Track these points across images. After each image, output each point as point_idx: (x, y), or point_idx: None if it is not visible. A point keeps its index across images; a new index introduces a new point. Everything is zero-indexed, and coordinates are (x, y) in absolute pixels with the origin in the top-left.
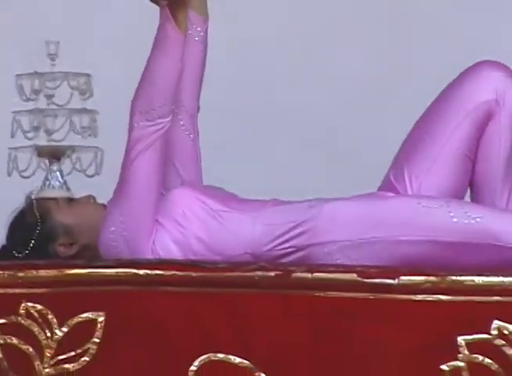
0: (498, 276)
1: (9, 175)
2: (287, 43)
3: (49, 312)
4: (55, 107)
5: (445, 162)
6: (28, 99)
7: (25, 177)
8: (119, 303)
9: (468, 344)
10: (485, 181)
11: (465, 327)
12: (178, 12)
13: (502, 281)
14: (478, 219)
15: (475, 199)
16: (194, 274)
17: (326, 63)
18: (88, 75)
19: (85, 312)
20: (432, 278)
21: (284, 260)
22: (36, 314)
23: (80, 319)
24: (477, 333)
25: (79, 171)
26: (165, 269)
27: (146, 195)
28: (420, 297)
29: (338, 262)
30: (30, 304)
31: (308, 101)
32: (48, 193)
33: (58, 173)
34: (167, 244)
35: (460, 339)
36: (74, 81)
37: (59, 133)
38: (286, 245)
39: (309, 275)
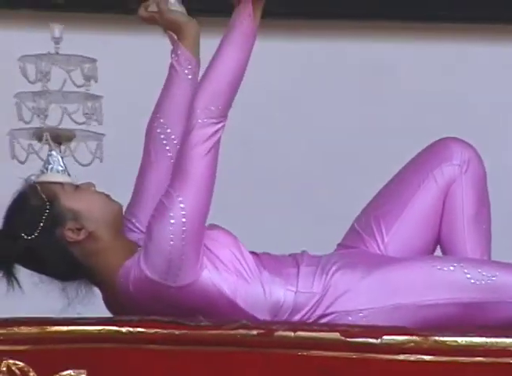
0: (481, 336)
1: (12, 158)
2: (270, 101)
3: (31, 369)
4: (59, 91)
5: (412, 220)
6: (32, 82)
7: (21, 162)
8: (101, 360)
9: None
10: (452, 240)
11: None
12: (257, 9)
13: (485, 342)
14: (494, 278)
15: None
16: (177, 332)
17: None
18: (93, 60)
19: (67, 369)
20: (415, 338)
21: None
22: (18, 371)
23: None
24: None
25: (85, 164)
26: (148, 326)
27: (210, 194)
28: (402, 356)
29: None
30: (11, 361)
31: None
32: (53, 178)
33: (59, 158)
34: (219, 278)
35: None
36: (80, 65)
37: (57, 117)
38: (314, 315)
39: (292, 334)
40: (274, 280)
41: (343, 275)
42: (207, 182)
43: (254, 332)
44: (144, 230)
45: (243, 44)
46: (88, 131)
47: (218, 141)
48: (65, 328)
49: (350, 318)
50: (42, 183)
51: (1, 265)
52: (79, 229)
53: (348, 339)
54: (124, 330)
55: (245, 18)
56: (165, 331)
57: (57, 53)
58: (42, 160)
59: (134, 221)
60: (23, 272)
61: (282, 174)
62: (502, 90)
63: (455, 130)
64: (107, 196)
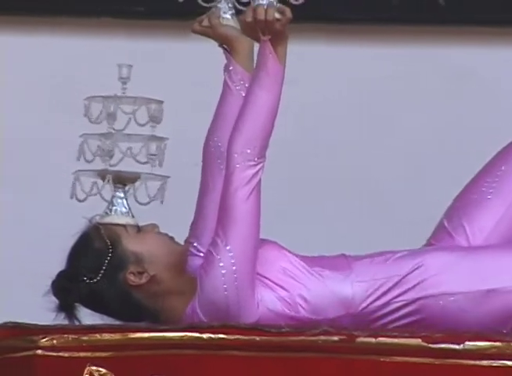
0: None
1: (72, 197)
2: (346, 108)
3: (113, 375)
4: (124, 132)
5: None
6: (96, 122)
7: (80, 200)
8: (183, 367)
9: None
10: None
11: None
12: (280, 46)
13: None
14: None
15: None
16: (258, 338)
17: (385, 128)
18: (160, 102)
19: (149, 375)
20: (497, 343)
21: (391, 317)
22: None
23: None
24: None
25: (147, 203)
26: (229, 333)
27: (257, 236)
28: (485, 362)
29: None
30: (94, 367)
31: (367, 167)
32: (117, 220)
33: (124, 199)
34: (273, 301)
35: None
36: (146, 106)
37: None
38: (396, 301)
39: (373, 340)
40: (338, 276)
41: (433, 258)
42: (252, 225)
43: (336, 338)
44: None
45: (270, 85)
46: (153, 174)
47: (259, 182)
48: (147, 335)
49: (441, 302)
50: (106, 225)
51: (64, 308)
52: (141, 273)
53: (430, 345)
54: (205, 336)
55: (268, 58)
56: (246, 338)
57: (124, 94)
58: (105, 200)
59: (196, 244)
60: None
61: (361, 179)
62: None
63: None
64: (170, 238)
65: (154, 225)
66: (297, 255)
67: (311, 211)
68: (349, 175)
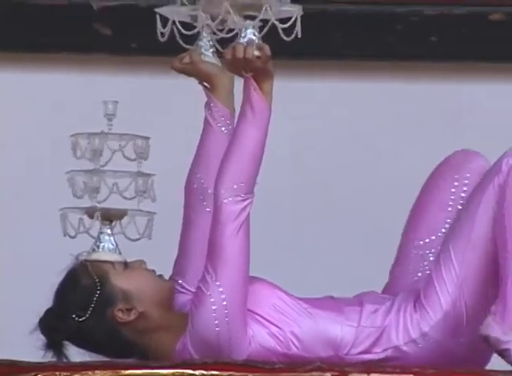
0: None
1: (64, 235)
2: (347, 139)
3: None
4: (111, 169)
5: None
6: (83, 159)
7: (72, 237)
8: None
9: None
10: None
11: None
12: (264, 83)
13: None
14: None
15: None
16: (251, 375)
17: (386, 161)
18: (146, 138)
19: None
20: None
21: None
22: None
23: None
24: None
25: (134, 239)
26: (221, 369)
27: (247, 271)
28: None
29: None
30: None
31: (367, 198)
32: (105, 256)
33: (111, 236)
34: (265, 337)
35: None
36: (132, 143)
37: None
38: (378, 351)
39: (365, 375)
40: (328, 316)
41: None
42: (241, 260)
43: (328, 374)
44: (191, 290)
45: (256, 121)
46: (140, 210)
47: (247, 218)
48: (139, 372)
49: (405, 348)
50: (93, 262)
51: (52, 345)
52: (129, 310)
53: None
54: (197, 373)
55: (252, 95)
56: (239, 374)
57: (110, 131)
58: (92, 236)
59: (181, 281)
60: None
61: (359, 214)
62: None
63: None
64: (158, 275)
65: (142, 262)
66: (287, 293)
67: (306, 246)
68: (345, 211)
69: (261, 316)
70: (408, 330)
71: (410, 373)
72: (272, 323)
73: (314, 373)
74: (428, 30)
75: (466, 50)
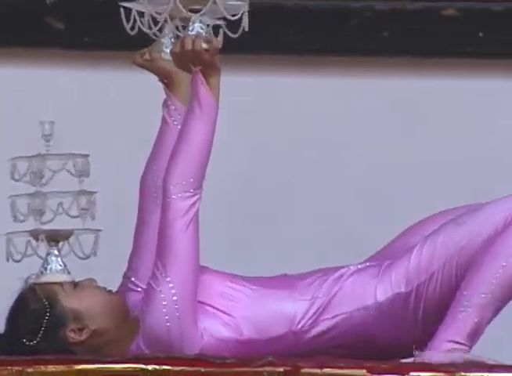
0: (509, 372)
1: (7, 259)
2: (302, 134)
3: None
4: (52, 190)
5: None
6: (23, 181)
7: (17, 261)
8: None
9: None
10: None
11: None
12: (212, 78)
13: None
14: None
15: None
16: (203, 369)
17: (340, 155)
18: (86, 156)
19: None
20: (442, 374)
21: (326, 336)
22: None
23: None
24: None
25: (83, 257)
26: (174, 364)
27: (197, 266)
28: None
29: None
30: None
31: (323, 199)
32: (53, 278)
33: (58, 257)
34: (216, 327)
35: None
36: (72, 161)
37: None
38: (324, 318)
39: (318, 370)
40: (280, 294)
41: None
42: (191, 255)
43: (281, 369)
44: (144, 287)
45: (204, 116)
46: (85, 228)
47: (197, 213)
48: (92, 366)
49: (356, 313)
50: (41, 285)
51: None
52: (81, 329)
53: None
54: (149, 367)
55: (199, 89)
56: (191, 369)
57: (48, 152)
58: (41, 257)
59: (133, 279)
60: None
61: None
62: None
63: (484, 161)
64: (109, 291)
65: (91, 280)
66: (234, 276)
67: (262, 237)
68: (299, 208)
69: (211, 306)
70: (364, 296)
71: (363, 368)
72: (222, 312)
73: (266, 368)
74: (381, 26)
75: (419, 45)
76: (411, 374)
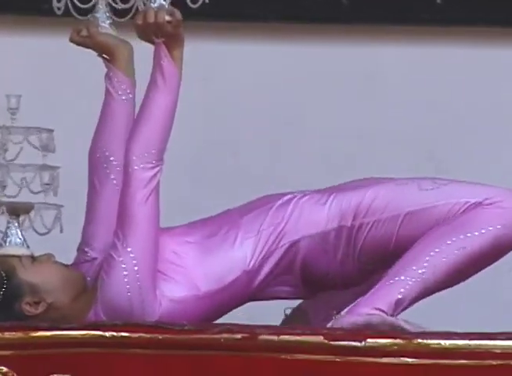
0: (464, 339)
1: None
2: (260, 102)
3: (15, 374)
4: (16, 162)
5: None
6: None
7: None
8: (86, 365)
9: None
10: None
11: None
12: (175, 50)
13: (469, 344)
14: None
15: None
16: (160, 336)
17: (298, 122)
18: (50, 131)
19: (52, 374)
20: (398, 341)
21: (278, 269)
22: None
23: None
24: None
25: (43, 233)
26: (131, 331)
27: (156, 238)
28: (386, 360)
29: None
30: None
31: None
32: (11, 251)
33: (18, 230)
34: (171, 290)
35: None
36: (36, 136)
37: (15, 189)
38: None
39: (275, 337)
40: (226, 240)
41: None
42: (151, 225)
43: (238, 336)
44: (97, 257)
45: (166, 88)
46: (47, 203)
47: (157, 185)
48: (49, 333)
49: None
50: (0, 257)
51: None
52: (37, 303)
53: (331, 342)
54: (107, 334)
55: (162, 60)
56: (149, 336)
57: (13, 125)
58: (0, 231)
59: (87, 250)
60: None
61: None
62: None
63: (444, 131)
64: (66, 266)
65: (50, 255)
66: (178, 234)
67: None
68: (256, 173)
69: (162, 272)
70: (311, 224)
71: (320, 334)
72: (173, 271)
73: (224, 334)
74: None
75: (378, 13)
76: (368, 340)
